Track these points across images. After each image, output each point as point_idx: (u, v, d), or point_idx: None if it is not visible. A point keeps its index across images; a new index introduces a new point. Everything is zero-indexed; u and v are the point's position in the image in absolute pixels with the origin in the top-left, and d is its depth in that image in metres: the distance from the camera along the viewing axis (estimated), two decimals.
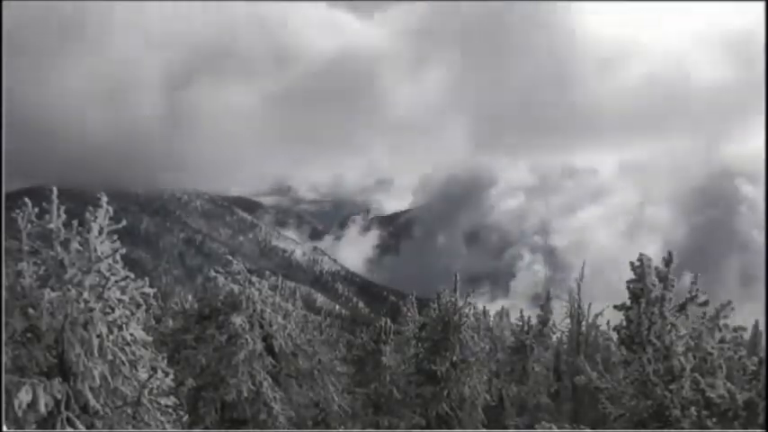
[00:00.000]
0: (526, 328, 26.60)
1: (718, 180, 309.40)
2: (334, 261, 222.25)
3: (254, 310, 18.48)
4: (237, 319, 17.79)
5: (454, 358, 21.07)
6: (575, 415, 24.90)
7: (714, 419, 12.73)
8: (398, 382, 21.74)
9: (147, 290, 12.02)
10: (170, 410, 12.12)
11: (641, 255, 13.58)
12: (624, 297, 13.76)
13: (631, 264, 13.56)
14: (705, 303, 13.54)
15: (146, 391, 11.61)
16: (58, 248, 11.20)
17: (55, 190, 11.50)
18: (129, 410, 11.52)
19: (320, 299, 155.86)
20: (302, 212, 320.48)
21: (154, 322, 22.38)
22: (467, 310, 21.58)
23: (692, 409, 12.84)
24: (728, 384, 13.07)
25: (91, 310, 10.97)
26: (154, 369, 11.92)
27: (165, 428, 11.90)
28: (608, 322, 21.32)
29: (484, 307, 32.09)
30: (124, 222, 11.95)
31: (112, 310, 11.34)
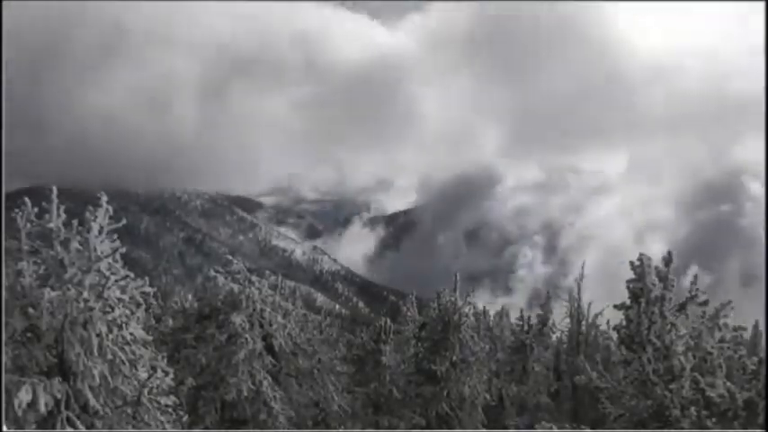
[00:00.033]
0: (526, 327, 26.63)
1: (726, 177, 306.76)
2: (334, 260, 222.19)
3: (254, 310, 18.49)
4: (237, 319, 17.81)
5: (454, 358, 21.07)
6: (575, 415, 24.90)
7: (714, 419, 12.73)
8: (398, 382, 21.72)
9: (147, 289, 12.04)
10: (170, 410, 12.13)
11: (641, 254, 13.58)
12: None
13: (631, 263, 13.56)
14: (705, 303, 13.55)
15: (146, 391, 11.61)
16: (58, 248, 11.20)
17: (55, 190, 11.54)
18: (129, 410, 11.52)
19: (320, 298, 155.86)
20: (302, 212, 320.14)
21: (154, 321, 22.40)
22: (467, 310, 21.60)
23: (692, 408, 12.84)
24: (728, 384, 13.07)
25: (91, 309, 10.98)
26: (154, 368, 11.93)
27: (164, 428, 11.90)
28: (608, 322, 21.36)
29: (484, 307, 32.21)
30: (124, 222, 11.96)
31: (112, 309, 11.34)
